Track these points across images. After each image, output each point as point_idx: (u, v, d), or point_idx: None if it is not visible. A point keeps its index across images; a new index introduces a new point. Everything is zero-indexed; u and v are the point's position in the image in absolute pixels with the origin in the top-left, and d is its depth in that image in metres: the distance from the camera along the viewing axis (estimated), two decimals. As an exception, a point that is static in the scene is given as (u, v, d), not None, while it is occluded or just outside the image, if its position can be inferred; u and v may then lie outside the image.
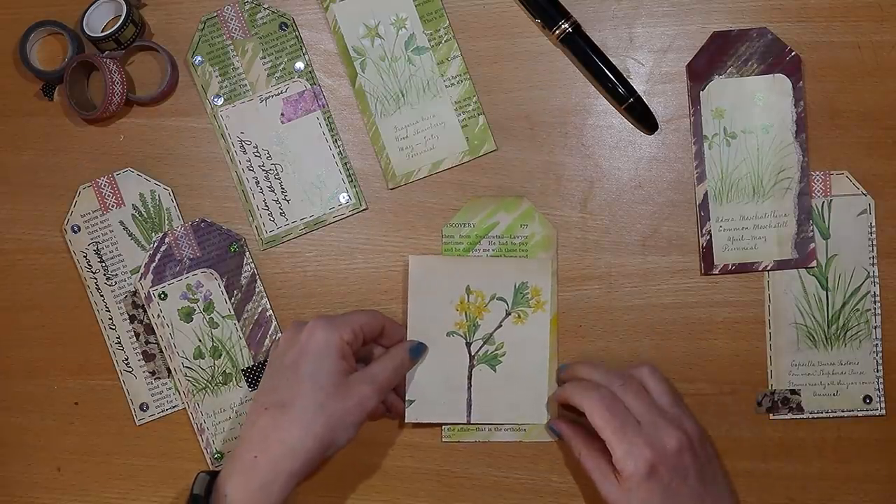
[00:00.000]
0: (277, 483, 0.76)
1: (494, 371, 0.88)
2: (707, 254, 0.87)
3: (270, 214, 0.90)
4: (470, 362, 0.87)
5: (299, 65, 0.90)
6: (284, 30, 0.90)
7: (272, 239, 0.90)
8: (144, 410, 0.90)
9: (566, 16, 0.87)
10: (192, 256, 0.90)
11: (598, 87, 0.89)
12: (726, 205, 0.87)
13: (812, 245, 0.87)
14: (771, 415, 0.87)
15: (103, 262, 0.90)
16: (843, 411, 0.87)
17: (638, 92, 0.88)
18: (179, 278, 0.90)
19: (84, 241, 0.90)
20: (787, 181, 0.87)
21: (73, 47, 0.90)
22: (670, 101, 0.89)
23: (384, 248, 0.90)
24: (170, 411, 0.91)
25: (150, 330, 0.90)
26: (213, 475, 0.79)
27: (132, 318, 0.90)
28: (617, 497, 0.77)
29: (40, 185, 0.91)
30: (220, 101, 0.90)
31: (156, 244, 0.90)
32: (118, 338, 0.90)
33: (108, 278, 0.90)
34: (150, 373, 0.90)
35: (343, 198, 0.90)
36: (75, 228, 0.90)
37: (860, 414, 0.87)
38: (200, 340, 0.90)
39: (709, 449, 0.81)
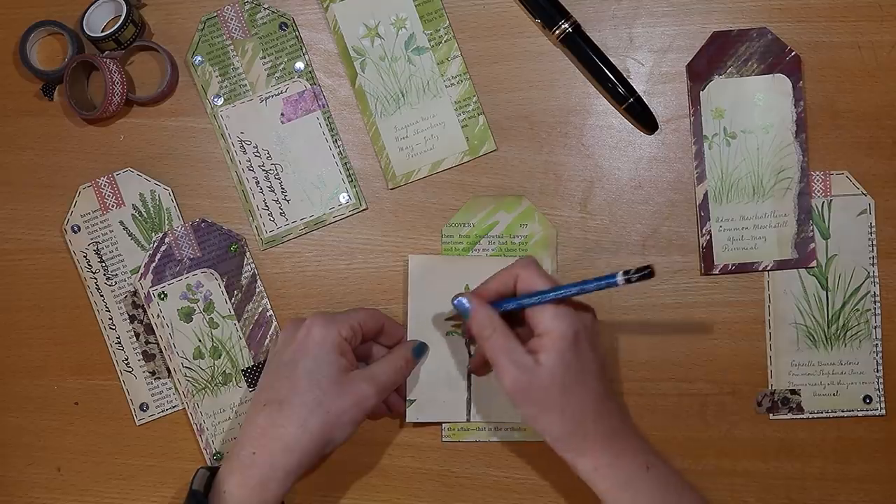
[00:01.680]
0: (275, 479, 0.77)
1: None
2: (707, 254, 0.87)
3: (270, 214, 0.90)
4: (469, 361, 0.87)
5: (299, 65, 0.90)
6: (284, 30, 0.90)
7: (272, 239, 0.90)
8: (144, 410, 0.90)
9: (566, 16, 0.87)
10: (192, 256, 0.90)
11: (598, 87, 0.89)
12: (726, 205, 0.87)
13: (812, 245, 0.87)
14: (771, 415, 0.87)
15: (103, 262, 0.90)
16: (843, 411, 0.87)
17: (638, 92, 0.88)
18: (179, 278, 0.90)
19: (84, 241, 0.90)
20: (787, 181, 0.87)
21: (73, 47, 0.90)
22: (670, 101, 0.89)
23: (384, 248, 0.90)
24: (170, 411, 0.91)
25: (150, 330, 0.90)
26: (213, 471, 0.79)
27: (132, 318, 0.90)
28: (526, 377, 0.75)
29: (40, 185, 0.91)
30: (220, 101, 0.90)
31: (156, 244, 0.90)
32: (118, 338, 0.90)
33: (108, 278, 0.90)
34: (150, 373, 0.90)
35: (343, 198, 0.90)
36: (75, 228, 0.90)
37: (860, 414, 0.87)
38: (200, 340, 0.90)
39: None
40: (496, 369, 0.77)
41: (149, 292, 0.89)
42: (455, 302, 0.80)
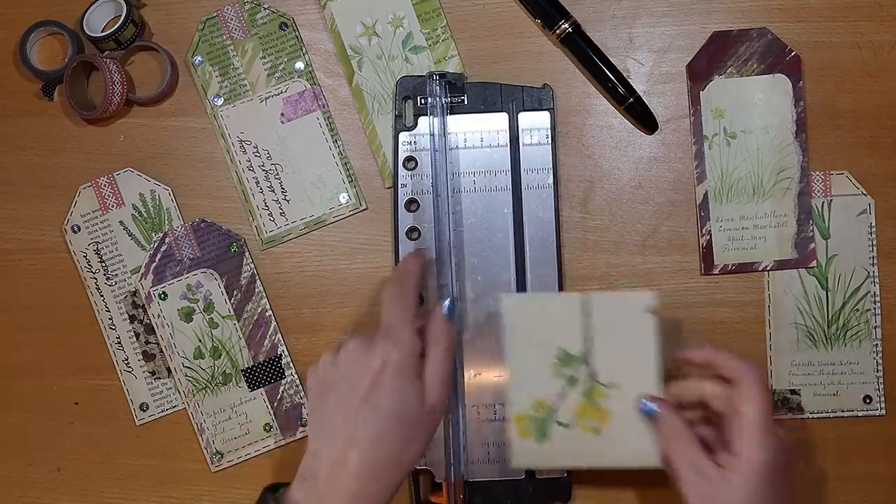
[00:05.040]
0: None
1: None
2: (707, 254, 0.87)
3: (270, 214, 0.90)
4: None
5: (299, 65, 0.90)
6: (284, 30, 0.90)
7: (272, 239, 0.90)
8: (144, 410, 0.90)
9: (566, 16, 0.87)
10: (192, 256, 0.90)
11: (598, 87, 0.89)
12: (726, 205, 0.87)
13: (812, 245, 0.87)
14: (771, 415, 0.87)
15: (103, 262, 0.90)
16: (843, 411, 0.87)
17: (638, 92, 0.88)
18: (179, 278, 0.90)
19: (84, 241, 0.90)
20: (787, 181, 0.87)
21: (73, 47, 0.90)
22: (670, 101, 0.89)
23: (384, 248, 0.90)
24: (170, 411, 0.91)
25: (150, 330, 0.90)
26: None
27: (132, 318, 0.90)
28: (709, 487, 0.72)
29: (40, 185, 0.91)
30: (220, 101, 0.90)
31: (156, 244, 0.90)
32: (118, 338, 0.90)
33: (108, 278, 0.90)
34: (150, 373, 0.90)
35: (343, 198, 0.90)
36: (75, 228, 0.90)
37: (860, 414, 0.87)
38: (200, 340, 0.90)
39: None
40: (677, 476, 0.74)
41: (149, 292, 0.90)
42: (641, 405, 0.78)
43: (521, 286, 0.87)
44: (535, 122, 0.87)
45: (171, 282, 0.90)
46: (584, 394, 0.79)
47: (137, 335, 0.90)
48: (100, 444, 0.91)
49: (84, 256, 0.91)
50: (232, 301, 0.90)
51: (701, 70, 0.88)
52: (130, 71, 0.91)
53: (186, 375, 0.90)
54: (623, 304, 0.79)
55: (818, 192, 0.87)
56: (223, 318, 0.90)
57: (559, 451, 0.80)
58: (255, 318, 0.90)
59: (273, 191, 0.90)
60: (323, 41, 0.90)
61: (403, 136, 0.88)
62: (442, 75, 0.86)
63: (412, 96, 0.88)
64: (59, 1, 0.91)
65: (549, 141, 0.87)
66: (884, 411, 0.87)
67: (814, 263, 0.87)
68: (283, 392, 0.89)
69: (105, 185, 0.90)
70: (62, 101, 0.91)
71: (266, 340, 0.90)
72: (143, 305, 0.90)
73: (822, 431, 0.87)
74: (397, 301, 0.76)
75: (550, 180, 0.87)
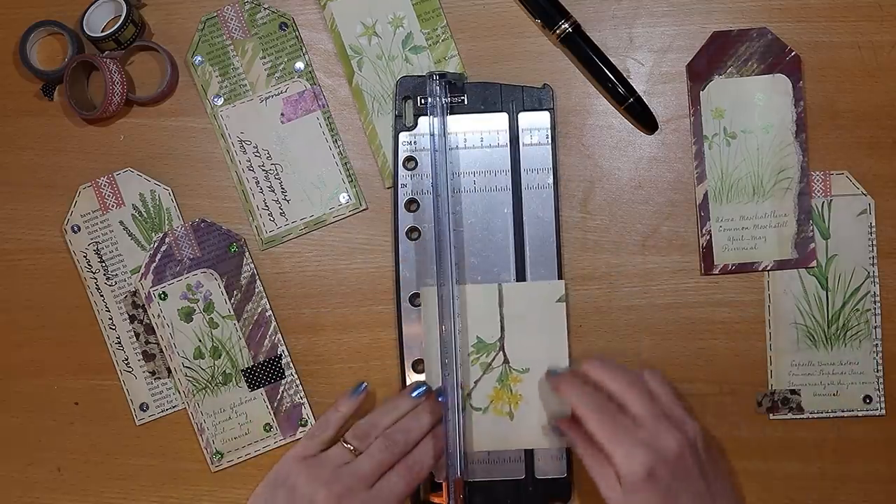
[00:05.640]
0: None
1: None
2: (707, 254, 0.87)
3: (270, 214, 0.90)
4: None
5: (299, 65, 0.90)
6: (284, 30, 0.90)
7: (272, 239, 0.90)
8: (144, 410, 0.90)
9: (566, 16, 0.87)
10: (192, 256, 0.90)
11: (598, 87, 0.89)
12: (726, 205, 0.87)
13: (812, 245, 0.87)
14: (771, 415, 0.87)
15: (103, 262, 0.90)
16: (843, 411, 0.87)
17: (638, 92, 0.88)
18: (179, 278, 0.90)
19: (84, 241, 0.90)
20: (787, 181, 0.87)
21: (73, 47, 0.90)
22: (670, 101, 0.89)
23: (384, 247, 0.90)
24: (170, 411, 0.91)
25: (150, 330, 0.90)
26: None
27: (132, 318, 0.90)
28: (617, 497, 0.75)
29: (40, 185, 0.91)
30: (220, 101, 0.90)
31: (156, 244, 0.90)
32: (118, 338, 0.90)
33: (108, 278, 0.90)
34: (150, 373, 0.90)
35: (343, 198, 0.90)
36: (75, 228, 0.90)
37: (860, 414, 0.87)
38: (200, 340, 0.90)
39: (712, 451, 0.79)
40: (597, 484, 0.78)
41: (149, 292, 0.90)
42: (552, 431, 0.84)
43: (521, 286, 0.88)
44: (535, 122, 0.88)
45: (171, 282, 0.90)
46: (498, 379, 0.86)
47: (137, 335, 0.90)
48: (100, 444, 0.91)
49: (84, 256, 0.91)
50: (232, 301, 0.90)
51: (701, 70, 0.88)
52: (130, 71, 0.91)
53: (186, 375, 0.90)
54: (535, 294, 0.86)
55: (818, 192, 0.87)
56: (223, 318, 0.90)
57: (475, 435, 0.86)
58: (255, 318, 0.90)
59: (273, 191, 0.90)
60: (323, 41, 0.90)
61: (403, 136, 0.88)
62: (442, 75, 0.86)
63: (412, 96, 0.88)
64: (59, 1, 0.91)
65: (549, 141, 0.87)
66: (884, 411, 0.87)
67: (814, 263, 0.87)
68: (283, 392, 0.89)
69: (105, 185, 0.90)
70: (62, 101, 0.91)
71: (266, 340, 0.90)
72: (143, 305, 0.90)
73: (822, 431, 0.87)
74: (404, 482, 0.81)
75: (550, 180, 0.87)
